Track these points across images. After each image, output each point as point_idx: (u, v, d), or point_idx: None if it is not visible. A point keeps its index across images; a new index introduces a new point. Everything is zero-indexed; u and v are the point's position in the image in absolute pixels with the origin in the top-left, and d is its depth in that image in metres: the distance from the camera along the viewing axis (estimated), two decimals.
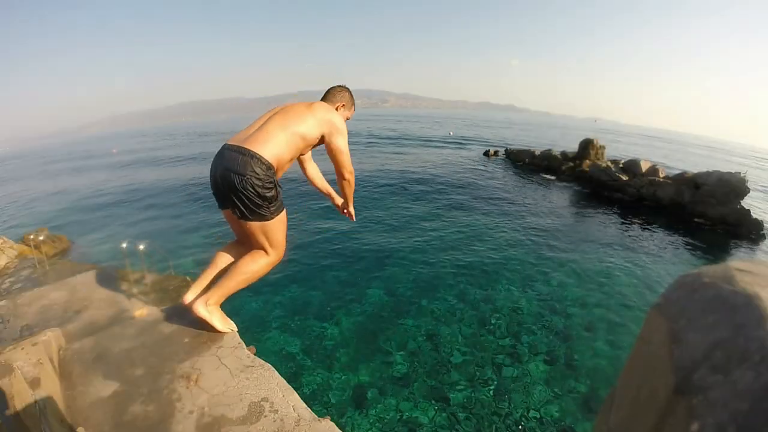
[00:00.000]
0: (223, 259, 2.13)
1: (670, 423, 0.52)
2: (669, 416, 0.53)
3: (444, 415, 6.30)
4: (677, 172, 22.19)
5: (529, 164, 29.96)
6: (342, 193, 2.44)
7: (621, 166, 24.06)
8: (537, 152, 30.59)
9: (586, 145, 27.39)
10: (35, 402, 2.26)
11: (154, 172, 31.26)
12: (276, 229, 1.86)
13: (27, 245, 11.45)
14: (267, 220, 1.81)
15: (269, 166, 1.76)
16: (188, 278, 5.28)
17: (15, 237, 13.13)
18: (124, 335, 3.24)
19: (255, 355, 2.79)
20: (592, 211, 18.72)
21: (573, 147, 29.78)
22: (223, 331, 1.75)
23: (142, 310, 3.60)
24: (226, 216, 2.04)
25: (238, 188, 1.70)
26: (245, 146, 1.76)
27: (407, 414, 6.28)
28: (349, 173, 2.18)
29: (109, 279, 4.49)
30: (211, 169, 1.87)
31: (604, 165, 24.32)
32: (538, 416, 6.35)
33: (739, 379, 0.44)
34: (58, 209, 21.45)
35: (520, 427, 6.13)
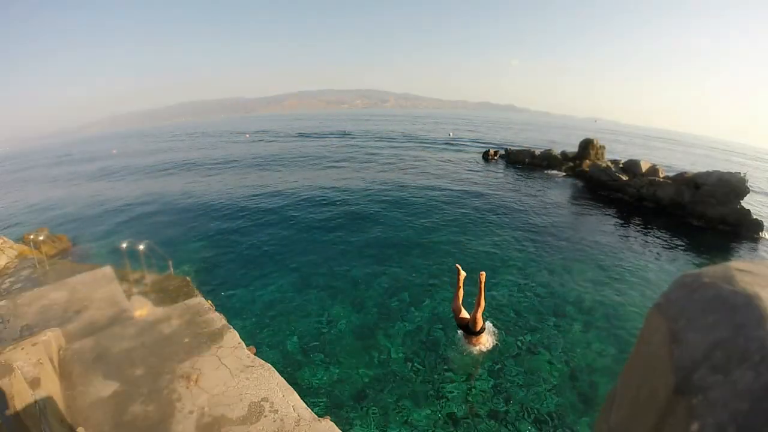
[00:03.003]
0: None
1: (670, 423, 0.52)
2: (669, 416, 0.52)
3: (440, 414, 6.30)
4: (677, 172, 22.21)
5: (530, 164, 30.02)
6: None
7: (621, 166, 24.07)
8: (537, 152, 30.64)
9: (586, 145, 27.41)
10: (35, 402, 2.26)
11: (154, 173, 31.30)
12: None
13: (27, 245, 11.48)
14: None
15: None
16: (188, 278, 5.27)
17: (15, 237, 13.22)
18: (124, 335, 3.24)
19: (255, 355, 2.79)
20: (593, 212, 18.73)
21: (573, 147, 29.83)
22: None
23: (142, 310, 3.60)
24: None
25: None
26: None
27: (407, 411, 6.29)
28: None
29: (109, 279, 4.48)
30: None
31: (604, 165, 24.32)
32: (537, 414, 6.35)
33: (739, 379, 0.44)
34: (58, 209, 21.47)
35: (525, 427, 6.13)
